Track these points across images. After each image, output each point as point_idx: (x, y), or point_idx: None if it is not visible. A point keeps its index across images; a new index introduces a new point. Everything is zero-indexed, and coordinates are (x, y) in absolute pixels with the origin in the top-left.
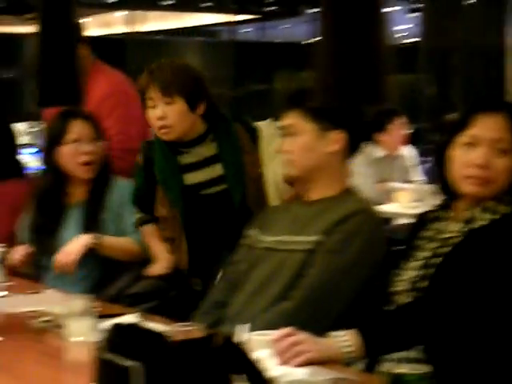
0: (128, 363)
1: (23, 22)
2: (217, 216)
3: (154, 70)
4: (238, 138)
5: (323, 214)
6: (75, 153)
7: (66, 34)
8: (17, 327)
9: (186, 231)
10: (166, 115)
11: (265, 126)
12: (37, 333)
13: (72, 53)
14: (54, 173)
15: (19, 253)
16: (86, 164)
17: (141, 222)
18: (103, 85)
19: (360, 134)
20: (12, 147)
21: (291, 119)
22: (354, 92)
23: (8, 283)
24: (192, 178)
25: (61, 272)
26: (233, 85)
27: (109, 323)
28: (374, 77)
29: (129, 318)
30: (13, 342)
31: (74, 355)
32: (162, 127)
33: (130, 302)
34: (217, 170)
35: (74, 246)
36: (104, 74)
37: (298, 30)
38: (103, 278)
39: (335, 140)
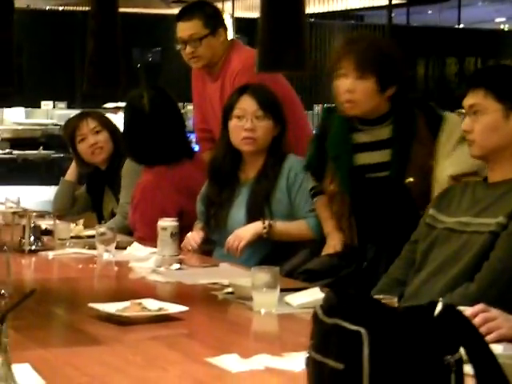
0: (358, 327)
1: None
2: (381, 201)
3: (353, 41)
4: (417, 128)
5: (506, 197)
6: (237, 128)
7: None
8: (201, 298)
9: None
10: (355, 89)
11: (450, 118)
12: (222, 304)
13: None
14: (228, 147)
15: (194, 240)
16: (247, 139)
17: (315, 193)
18: (235, 62)
19: None
20: (181, 129)
21: (475, 98)
22: None
23: (180, 256)
24: (362, 158)
25: (229, 253)
26: None
27: (295, 296)
28: None
29: (313, 293)
30: (199, 313)
31: (263, 326)
32: (348, 101)
33: (304, 278)
34: (386, 154)
35: (245, 231)
36: (237, 52)
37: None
38: (271, 254)
39: None
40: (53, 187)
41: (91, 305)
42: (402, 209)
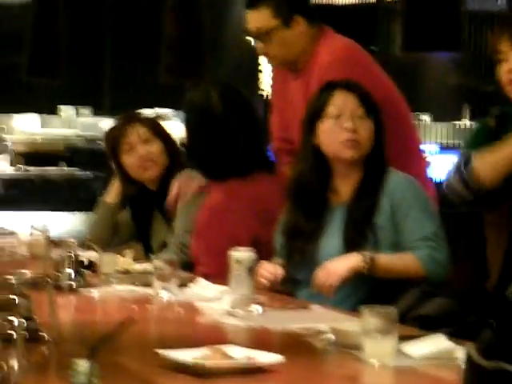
0: None
1: None
2: None
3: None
4: None
5: None
6: (335, 129)
7: None
8: (294, 347)
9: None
10: None
11: None
12: (321, 354)
13: None
14: (315, 160)
15: (269, 271)
16: (349, 142)
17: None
18: (323, 55)
19: None
20: (259, 133)
21: None
22: None
23: (257, 296)
24: None
25: (319, 292)
26: None
27: (415, 345)
28: None
29: (437, 342)
30: (295, 364)
31: (377, 381)
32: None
33: (419, 325)
34: None
35: (339, 265)
36: (326, 43)
37: None
38: (373, 295)
39: None
40: (77, 213)
41: (161, 352)
42: None
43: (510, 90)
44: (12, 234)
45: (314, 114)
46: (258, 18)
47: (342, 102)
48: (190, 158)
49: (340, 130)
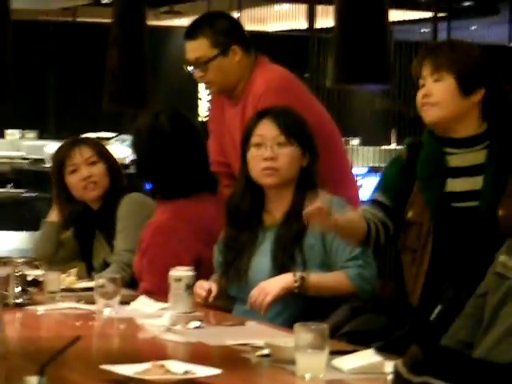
0: None
1: None
2: (466, 234)
3: (431, 47)
4: None
5: None
6: (256, 158)
7: None
8: (230, 361)
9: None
10: (431, 92)
11: None
12: (257, 368)
13: None
14: (247, 183)
15: (202, 287)
16: (267, 170)
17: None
18: (259, 83)
19: None
20: (204, 154)
21: None
22: None
23: (196, 313)
24: (451, 185)
25: (253, 309)
26: None
27: (345, 360)
28: None
29: (367, 356)
30: (232, 377)
31: None
32: (424, 104)
33: (347, 340)
34: (477, 182)
35: (272, 285)
36: (261, 71)
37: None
38: (304, 311)
39: None
40: (23, 233)
41: (104, 367)
42: (489, 245)
43: (423, 113)
44: None
45: (243, 142)
46: (197, 48)
47: (263, 131)
48: (139, 177)
49: (260, 159)
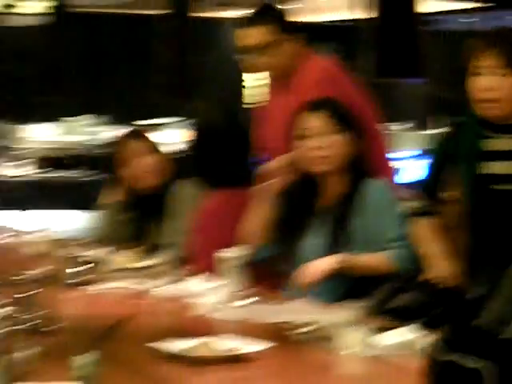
0: (479, 364)
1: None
2: (503, 217)
3: (495, 34)
4: None
5: None
6: (305, 147)
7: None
8: (274, 338)
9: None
10: (497, 87)
11: None
12: (298, 345)
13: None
14: (299, 171)
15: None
16: (316, 159)
17: (414, 213)
18: (309, 74)
19: None
20: (248, 151)
21: None
22: None
23: (247, 291)
24: (491, 167)
25: (299, 287)
26: None
27: (383, 337)
28: None
29: (403, 333)
30: (274, 353)
31: (346, 369)
32: (487, 100)
33: (390, 318)
34: None
35: (320, 265)
36: (311, 62)
37: None
38: (349, 290)
39: None
40: (81, 213)
41: (152, 344)
42: None
43: (481, 110)
44: (18, 233)
45: (293, 133)
46: (257, 34)
47: (312, 122)
48: (194, 166)
49: (309, 148)
